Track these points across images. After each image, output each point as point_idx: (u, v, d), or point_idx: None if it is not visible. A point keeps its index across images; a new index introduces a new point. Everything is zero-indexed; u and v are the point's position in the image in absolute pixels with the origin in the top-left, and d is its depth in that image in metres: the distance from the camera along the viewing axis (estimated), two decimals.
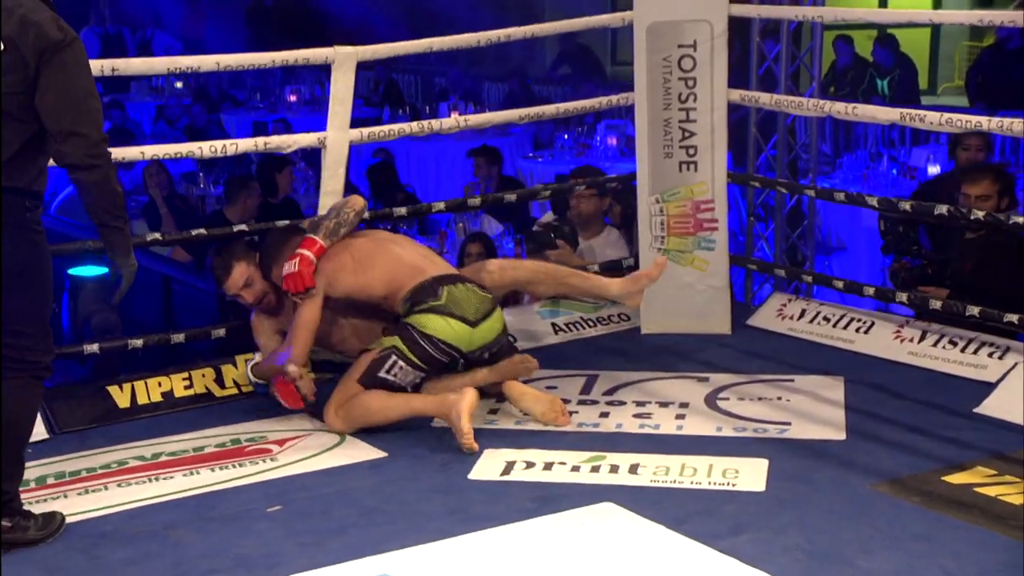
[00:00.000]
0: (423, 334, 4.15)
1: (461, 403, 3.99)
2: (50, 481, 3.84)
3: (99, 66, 4.41)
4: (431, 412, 4.12)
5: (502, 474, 3.83)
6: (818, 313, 5.13)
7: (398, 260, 4.30)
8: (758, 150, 5.72)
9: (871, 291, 4.83)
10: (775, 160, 5.70)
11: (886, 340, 4.86)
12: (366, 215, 4.52)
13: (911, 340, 4.81)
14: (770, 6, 5.47)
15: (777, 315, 5.24)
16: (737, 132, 5.20)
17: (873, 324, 4.98)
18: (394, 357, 4.13)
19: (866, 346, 4.90)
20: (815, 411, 4.34)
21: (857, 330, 4.97)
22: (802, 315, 5.16)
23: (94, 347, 4.39)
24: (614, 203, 6.26)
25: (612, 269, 5.43)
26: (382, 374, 4.12)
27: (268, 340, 4.44)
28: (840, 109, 4.72)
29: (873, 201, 4.78)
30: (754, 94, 5.14)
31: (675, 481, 3.74)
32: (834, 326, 5.05)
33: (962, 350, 4.65)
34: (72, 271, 4.81)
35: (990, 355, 4.57)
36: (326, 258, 4.24)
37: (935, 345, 4.73)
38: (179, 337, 4.53)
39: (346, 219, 4.30)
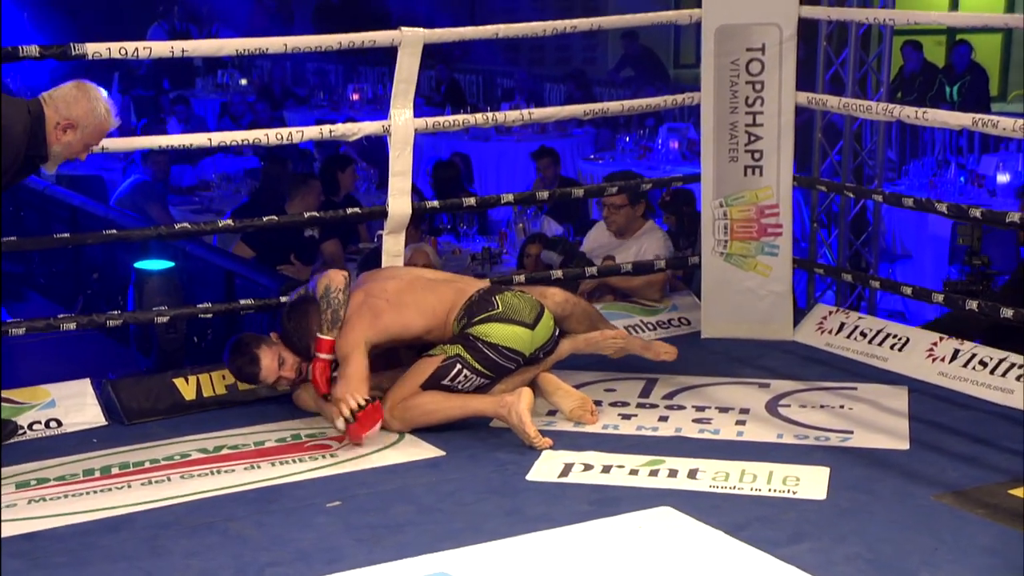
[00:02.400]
0: (487, 343, 4.15)
1: (519, 404, 3.99)
2: (114, 471, 3.89)
3: (168, 47, 4.45)
4: (489, 413, 4.12)
5: (560, 476, 3.82)
6: (856, 328, 5.05)
7: (431, 289, 4.29)
8: (823, 155, 5.66)
9: (940, 298, 4.75)
10: (840, 166, 5.64)
11: (918, 359, 4.76)
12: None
13: (943, 360, 4.71)
14: (840, 8, 5.40)
15: (817, 329, 5.15)
16: (801, 137, 5.15)
17: (908, 340, 4.87)
18: (459, 366, 4.13)
19: (898, 364, 4.80)
20: (878, 420, 4.29)
21: (892, 347, 4.88)
22: (840, 329, 5.08)
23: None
24: (668, 214, 6.23)
25: (644, 271, 5.41)
26: (446, 382, 4.12)
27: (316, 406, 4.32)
28: (910, 113, 4.66)
29: (943, 207, 4.70)
30: (822, 97, 5.09)
31: (735, 487, 3.72)
32: (870, 342, 4.96)
33: (991, 371, 4.53)
34: (138, 265, 4.85)
35: (1018, 378, 4.44)
36: (358, 314, 4.15)
37: (965, 365, 4.63)
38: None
39: (337, 302, 4.15)
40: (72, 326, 4.36)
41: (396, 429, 4.13)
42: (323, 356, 4.14)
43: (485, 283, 4.39)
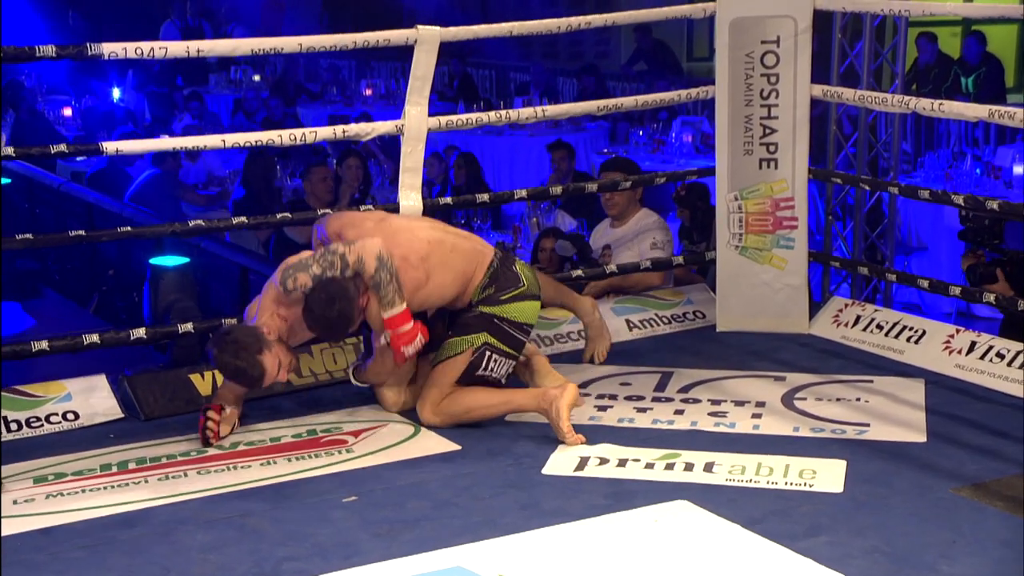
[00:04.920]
0: (514, 323, 4.13)
1: (560, 400, 3.97)
2: (132, 466, 3.90)
3: (184, 47, 4.45)
4: (531, 408, 4.09)
5: (575, 470, 3.81)
6: (872, 320, 5.02)
7: (454, 251, 4.11)
8: (838, 148, 5.64)
9: (957, 291, 4.73)
10: (855, 158, 5.61)
11: (935, 351, 4.74)
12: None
13: (959, 352, 4.68)
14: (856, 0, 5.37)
15: (833, 321, 5.13)
16: (815, 130, 5.13)
17: (924, 333, 4.85)
18: (488, 352, 4.11)
19: (915, 357, 4.77)
20: (895, 412, 4.27)
21: (908, 339, 4.86)
22: (856, 322, 5.06)
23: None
24: (682, 208, 6.21)
25: (662, 268, 5.40)
26: (480, 372, 4.11)
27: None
28: (925, 105, 4.63)
29: (959, 199, 4.68)
30: (837, 89, 5.07)
31: (751, 480, 3.71)
32: (886, 335, 4.93)
33: (1009, 363, 4.50)
34: (153, 260, 4.87)
35: None
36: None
37: (982, 358, 4.60)
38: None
39: (395, 268, 3.93)
40: (95, 339, 4.36)
41: (435, 425, 4.11)
42: (404, 328, 3.92)
43: (488, 245, 4.35)
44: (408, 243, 4.06)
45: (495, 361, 4.12)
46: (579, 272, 5.36)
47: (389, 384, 4.25)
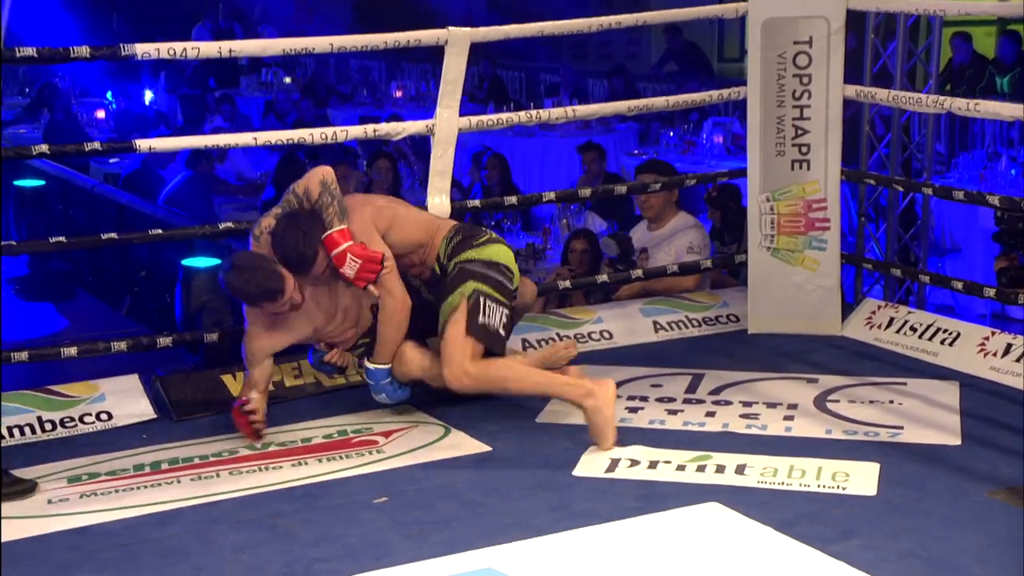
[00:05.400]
0: (493, 264, 4.09)
1: (605, 405, 3.89)
2: (164, 466, 3.93)
3: (216, 47, 4.48)
4: (569, 396, 3.98)
5: (606, 471, 3.80)
6: (906, 323, 4.99)
7: (412, 210, 4.28)
8: (871, 149, 5.59)
9: (991, 292, 4.68)
10: (888, 159, 5.57)
11: (969, 354, 4.71)
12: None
13: (994, 354, 4.64)
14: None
15: (866, 324, 5.10)
16: (848, 130, 5.10)
17: (959, 335, 4.81)
18: (482, 298, 4.03)
19: (949, 359, 4.74)
20: (929, 415, 4.24)
21: (942, 342, 4.83)
22: (890, 324, 5.03)
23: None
24: (713, 209, 6.18)
25: (690, 272, 5.39)
26: (481, 319, 4.00)
27: (263, 368, 4.13)
28: (961, 105, 4.60)
29: (994, 200, 4.63)
30: (870, 90, 5.04)
31: (783, 483, 3.69)
32: (920, 337, 4.90)
33: None
34: (185, 262, 4.89)
35: None
36: (359, 209, 4.04)
37: (1018, 360, 4.55)
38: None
39: (339, 192, 4.00)
40: (123, 347, 4.39)
41: (467, 385, 3.98)
42: (345, 246, 3.91)
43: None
44: (367, 197, 4.28)
45: (490, 308, 4.02)
46: (604, 277, 5.35)
47: (408, 346, 4.13)
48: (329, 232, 3.96)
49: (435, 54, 4.74)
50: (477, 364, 3.97)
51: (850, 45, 5.03)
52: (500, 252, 4.14)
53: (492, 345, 4.03)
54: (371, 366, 4.13)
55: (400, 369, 4.13)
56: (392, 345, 4.10)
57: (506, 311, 4.08)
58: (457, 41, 4.59)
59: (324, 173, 4.01)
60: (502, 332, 4.07)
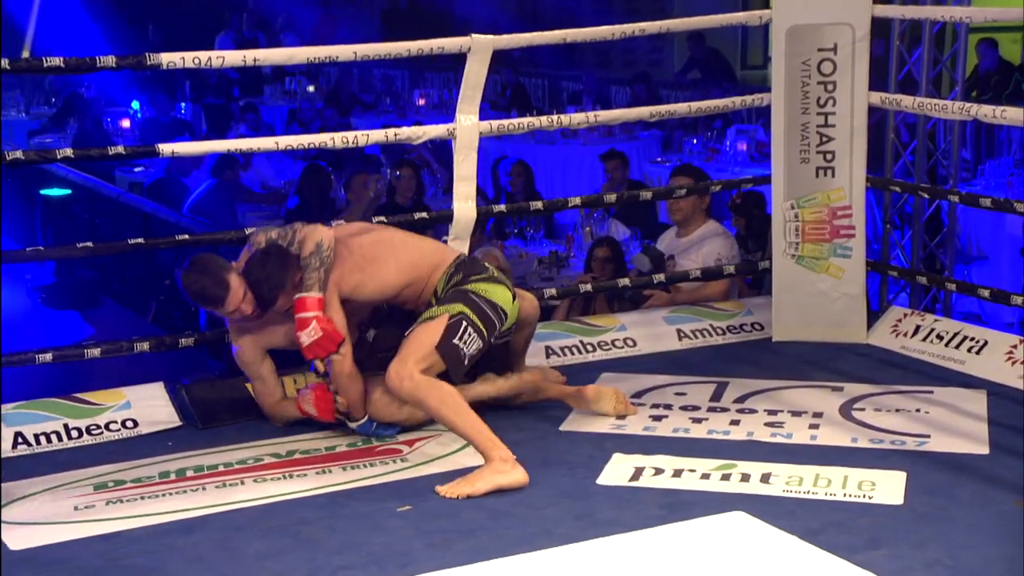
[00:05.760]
0: (488, 301, 4.03)
1: (508, 467, 3.76)
2: (189, 474, 3.93)
3: (241, 56, 4.48)
4: (485, 452, 3.80)
5: (630, 480, 3.79)
6: (932, 331, 4.96)
7: (407, 244, 4.15)
8: (896, 156, 5.57)
9: (1019, 300, 4.65)
10: (913, 166, 5.55)
11: (997, 362, 4.67)
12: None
13: (1022, 363, 4.59)
14: (915, 7, 5.31)
15: (892, 331, 5.06)
16: (872, 138, 5.08)
17: (986, 343, 4.77)
18: (465, 323, 3.97)
19: (976, 367, 4.70)
20: (956, 424, 4.20)
21: (969, 350, 4.78)
22: (916, 332, 4.99)
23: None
24: (737, 216, 6.16)
25: (712, 278, 5.37)
26: (456, 341, 3.93)
27: (264, 368, 4.20)
28: (987, 112, 4.57)
29: (1022, 207, 4.60)
30: (896, 97, 5.02)
31: (808, 492, 3.66)
32: (946, 345, 4.86)
33: None
34: None
35: None
36: (335, 266, 4.00)
37: None
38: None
39: (330, 261, 3.98)
40: (145, 347, 4.41)
41: (402, 390, 3.88)
42: (309, 315, 3.92)
43: (456, 251, 4.31)
44: (354, 231, 4.17)
45: (469, 334, 3.96)
46: (625, 281, 5.34)
47: (376, 392, 4.10)
48: (303, 296, 3.96)
49: (458, 63, 4.74)
50: (424, 378, 3.87)
51: (875, 52, 5.01)
52: (499, 292, 4.07)
53: (452, 370, 3.97)
54: (354, 425, 4.16)
55: (377, 414, 4.14)
56: (358, 400, 4.10)
57: (482, 346, 4.01)
58: (480, 48, 4.60)
59: (324, 236, 4.00)
60: (467, 362, 4.00)
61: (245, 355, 4.18)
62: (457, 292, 4.03)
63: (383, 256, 4.09)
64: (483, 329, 3.99)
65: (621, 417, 4.29)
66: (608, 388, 4.32)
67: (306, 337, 3.96)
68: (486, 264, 4.20)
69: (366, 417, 4.14)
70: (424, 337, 3.93)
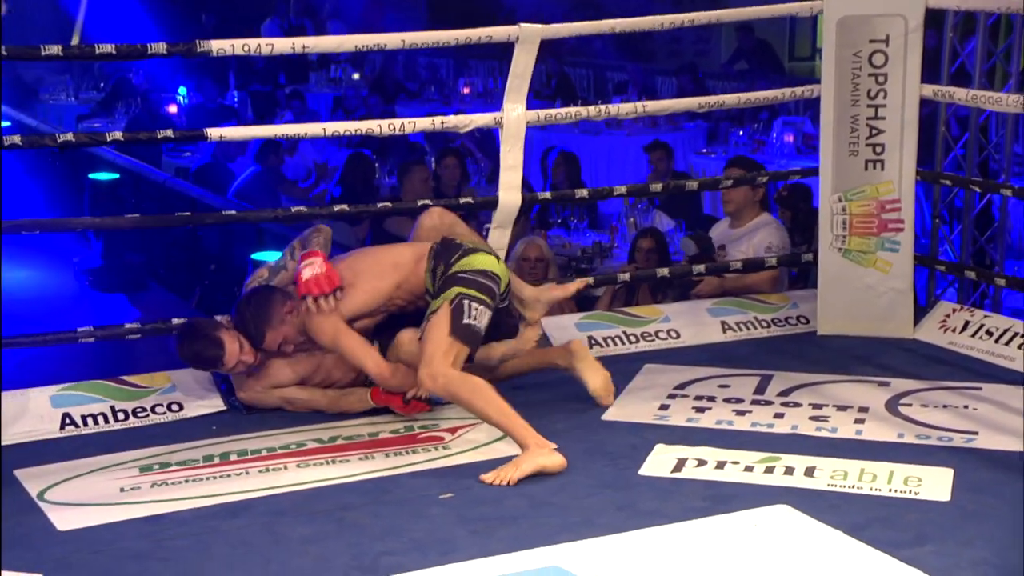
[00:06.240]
0: (475, 270, 4.05)
1: (545, 452, 3.79)
2: (232, 458, 3.95)
3: (290, 44, 4.51)
4: (520, 439, 3.82)
5: (673, 471, 3.77)
6: (981, 326, 4.89)
7: (381, 251, 4.33)
8: (946, 149, 5.50)
9: None
10: (964, 159, 5.48)
11: None
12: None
13: None
14: None
15: (940, 327, 5.01)
16: (922, 131, 5.01)
17: None
18: (466, 301, 3.98)
19: None
20: (1005, 421, 4.15)
21: (1020, 346, 4.72)
22: (965, 327, 4.93)
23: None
24: (783, 209, 6.11)
25: (754, 268, 5.32)
26: (465, 320, 3.95)
27: (282, 393, 4.25)
28: None
29: None
30: (948, 89, 4.95)
31: (853, 486, 3.63)
32: (996, 341, 4.80)
33: None
34: (255, 256, 4.96)
35: None
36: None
37: None
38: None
39: (315, 242, 4.15)
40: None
41: (435, 389, 3.91)
42: (312, 257, 4.07)
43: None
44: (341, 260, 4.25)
45: (474, 309, 3.97)
46: (665, 272, 5.32)
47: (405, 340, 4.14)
48: (309, 250, 4.14)
49: (503, 51, 4.74)
50: (455, 373, 3.91)
51: (927, 44, 4.94)
52: (481, 259, 4.09)
53: (473, 348, 4.01)
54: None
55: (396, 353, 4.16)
56: (411, 380, 4.11)
57: (490, 313, 4.04)
58: (528, 37, 4.58)
59: (318, 229, 4.24)
60: (482, 334, 4.04)
61: (256, 398, 4.25)
62: (446, 280, 4.06)
63: (365, 268, 4.17)
64: (484, 298, 4.03)
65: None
66: (603, 369, 4.27)
67: (308, 270, 4.05)
68: (458, 242, 4.20)
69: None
70: (436, 332, 3.96)
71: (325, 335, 4.07)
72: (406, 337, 4.13)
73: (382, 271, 4.17)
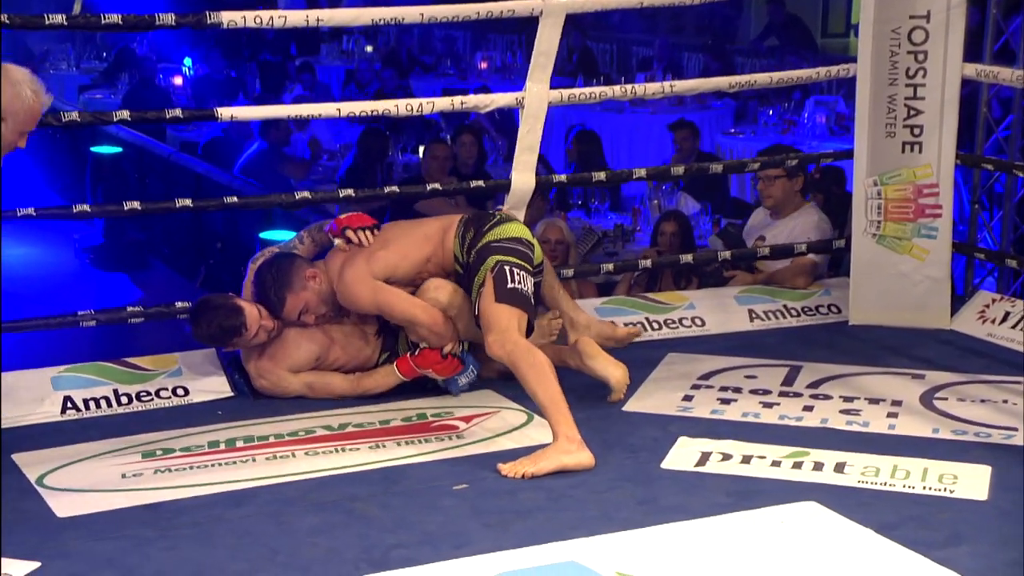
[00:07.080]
0: (509, 238, 4.03)
1: (575, 448, 3.67)
2: (239, 444, 3.85)
3: (304, 17, 4.39)
4: (556, 427, 3.70)
5: (696, 465, 3.66)
6: (1023, 318, 4.76)
7: (409, 226, 4.29)
8: (988, 132, 5.33)
9: None
10: (1006, 142, 5.31)
11: None
12: None
13: None
14: None
15: (978, 317, 4.87)
16: (962, 112, 4.86)
17: None
18: (506, 267, 3.95)
19: None
20: None
21: None
22: (1005, 318, 4.80)
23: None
24: (815, 193, 5.93)
25: (783, 255, 5.17)
26: (511, 285, 3.91)
27: (303, 379, 4.18)
28: None
29: None
30: (992, 68, 4.79)
31: (885, 483, 3.51)
32: None
33: None
34: (263, 235, 4.84)
35: None
36: (350, 262, 4.06)
37: None
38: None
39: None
40: (188, 307, 4.33)
41: (501, 355, 3.84)
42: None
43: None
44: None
45: (516, 273, 3.94)
46: (688, 258, 5.17)
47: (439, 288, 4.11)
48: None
49: (523, 24, 4.61)
50: (524, 342, 3.84)
51: (970, 22, 4.77)
52: (514, 228, 4.10)
53: (526, 308, 3.94)
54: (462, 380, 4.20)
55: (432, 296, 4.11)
56: (451, 331, 4.12)
57: (531, 278, 4.01)
58: (552, 12, 4.43)
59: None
60: (532, 299, 3.99)
61: (276, 385, 4.16)
62: (480, 251, 4.03)
63: (394, 237, 4.16)
64: (521, 263, 4.00)
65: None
66: (619, 362, 4.14)
67: (344, 216, 4.13)
68: (491, 212, 4.20)
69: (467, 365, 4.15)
70: (487, 305, 3.91)
71: (363, 296, 4.04)
72: (434, 284, 4.11)
73: (413, 241, 4.15)
